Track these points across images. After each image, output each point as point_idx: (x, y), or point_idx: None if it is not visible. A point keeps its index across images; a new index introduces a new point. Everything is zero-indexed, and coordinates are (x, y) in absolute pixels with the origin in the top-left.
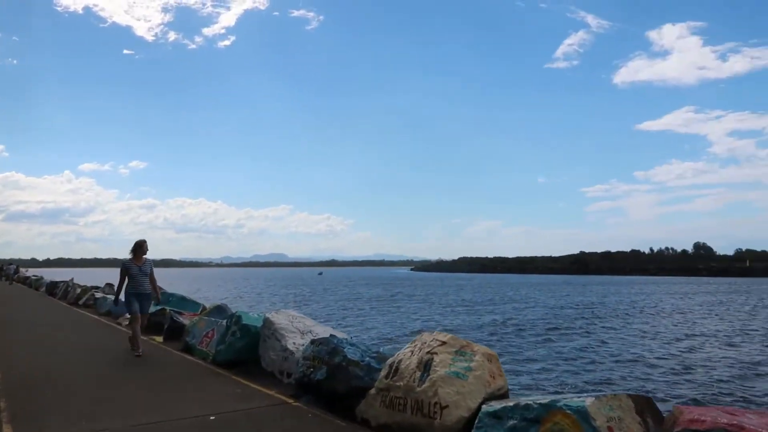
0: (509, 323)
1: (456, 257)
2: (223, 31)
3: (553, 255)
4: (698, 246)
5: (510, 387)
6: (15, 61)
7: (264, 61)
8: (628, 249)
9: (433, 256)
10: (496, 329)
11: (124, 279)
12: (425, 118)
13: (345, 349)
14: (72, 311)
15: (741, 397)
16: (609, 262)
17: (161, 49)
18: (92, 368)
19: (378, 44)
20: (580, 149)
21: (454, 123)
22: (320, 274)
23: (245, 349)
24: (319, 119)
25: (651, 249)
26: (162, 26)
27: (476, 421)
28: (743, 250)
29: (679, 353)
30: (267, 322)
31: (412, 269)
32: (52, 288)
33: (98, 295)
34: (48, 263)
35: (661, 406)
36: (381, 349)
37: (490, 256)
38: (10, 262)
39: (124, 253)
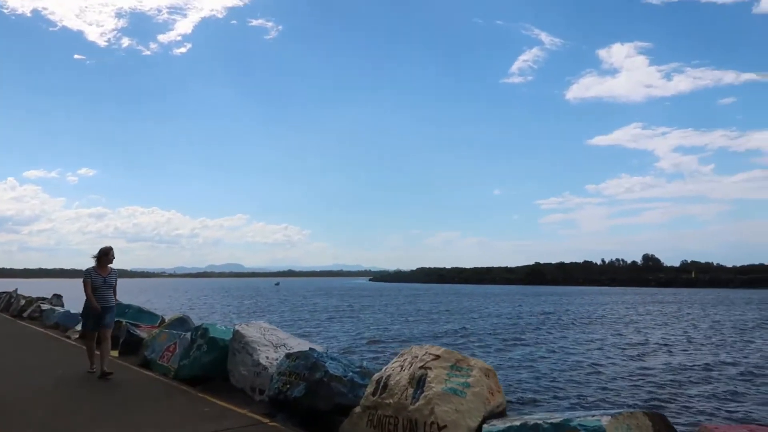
0: (473, 332)
1: (414, 267)
2: (179, 38)
3: (509, 266)
4: (647, 257)
5: None
6: None
7: (221, 69)
8: (580, 260)
9: (391, 266)
10: (463, 338)
11: (89, 288)
12: (383, 131)
13: (326, 364)
14: (16, 324)
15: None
16: (563, 272)
17: (114, 55)
18: (44, 390)
19: (336, 56)
20: (535, 162)
21: (412, 135)
22: (277, 284)
23: (212, 364)
24: (276, 129)
25: (603, 260)
26: (115, 32)
27: None
28: (689, 261)
29: (659, 364)
30: (237, 335)
31: (370, 279)
32: None
33: (45, 306)
34: None
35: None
36: (364, 364)
37: (448, 266)
38: None
39: (72, 263)
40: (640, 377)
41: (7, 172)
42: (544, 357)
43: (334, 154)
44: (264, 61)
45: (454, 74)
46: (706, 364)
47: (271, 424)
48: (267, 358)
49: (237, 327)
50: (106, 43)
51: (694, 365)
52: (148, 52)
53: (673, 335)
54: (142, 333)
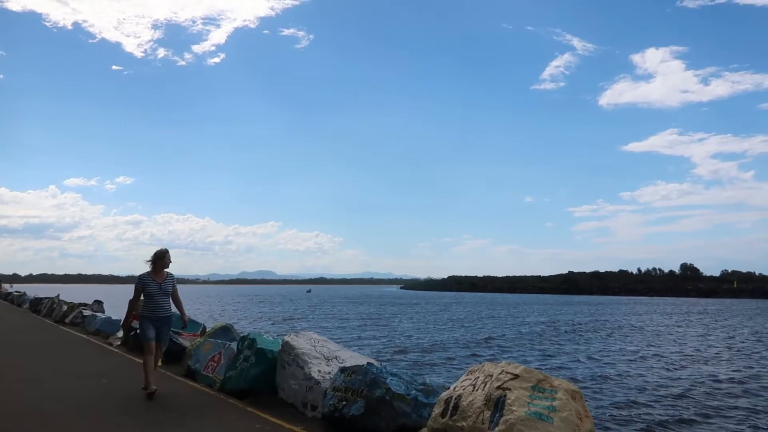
0: (511, 341)
1: (445, 276)
2: (213, 48)
3: (541, 274)
4: (685, 267)
5: None
6: (1, 76)
7: (253, 78)
8: (616, 269)
9: (421, 274)
10: (499, 348)
11: (139, 297)
12: (414, 138)
13: (387, 380)
14: (58, 330)
15: None
16: (598, 282)
17: (150, 66)
18: (87, 401)
19: (367, 64)
20: (567, 169)
21: (443, 142)
22: (309, 291)
23: (260, 376)
24: (308, 137)
25: (639, 269)
26: (151, 43)
27: None
28: (729, 271)
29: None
30: (286, 347)
31: (401, 287)
32: (36, 304)
33: (86, 312)
34: (30, 279)
35: None
36: (427, 380)
37: (480, 275)
38: None
39: (109, 269)
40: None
41: (49, 180)
42: (603, 373)
43: (366, 162)
44: (295, 70)
45: (485, 81)
46: None
47: None
48: (319, 371)
49: (286, 338)
50: (142, 54)
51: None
52: (183, 63)
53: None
54: (185, 341)
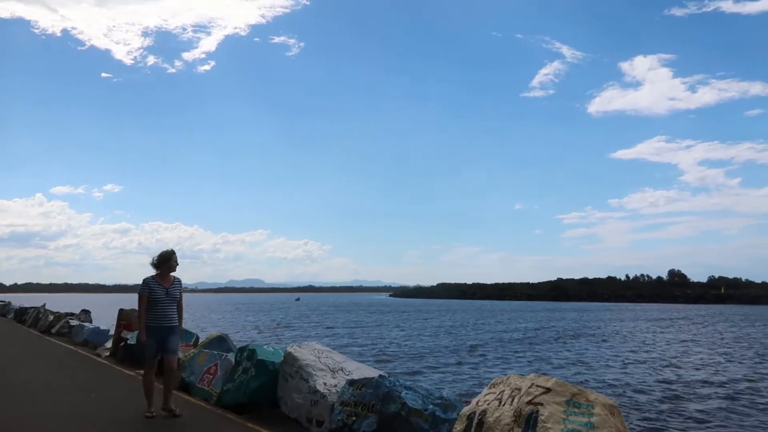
0: (503, 348)
1: (434, 283)
2: (203, 55)
3: (531, 281)
4: (673, 273)
5: None
6: None
7: (244, 86)
8: (604, 275)
9: (411, 282)
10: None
11: (146, 305)
12: (403, 145)
13: (402, 394)
14: (44, 341)
15: None
16: (587, 288)
17: (140, 73)
18: (75, 417)
19: (357, 72)
20: (556, 177)
21: (432, 150)
22: (298, 299)
23: (260, 389)
24: (297, 145)
25: (627, 276)
26: (141, 50)
27: None
28: (716, 277)
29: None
30: (289, 358)
31: (390, 295)
32: (21, 314)
33: (73, 322)
34: (15, 288)
35: None
36: (444, 394)
37: (469, 282)
38: None
39: (96, 278)
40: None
41: (36, 188)
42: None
43: (355, 170)
44: (286, 78)
45: (474, 88)
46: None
47: None
48: (325, 384)
49: (289, 349)
50: (132, 61)
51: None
52: (173, 70)
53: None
54: (178, 352)
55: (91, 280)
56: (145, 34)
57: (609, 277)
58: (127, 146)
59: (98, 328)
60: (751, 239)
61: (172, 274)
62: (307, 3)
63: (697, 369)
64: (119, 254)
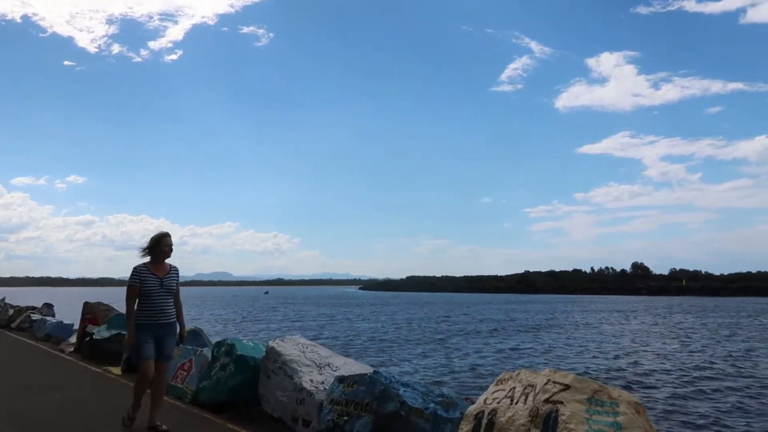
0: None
1: (403, 276)
2: (170, 45)
3: (499, 274)
4: (636, 265)
5: None
6: None
7: (212, 76)
8: (570, 268)
9: (380, 275)
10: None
11: (136, 297)
12: (371, 138)
13: (400, 392)
14: (4, 336)
15: None
16: (553, 281)
17: (104, 62)
18: (37, 420)
19: (326, 63)
20: (524, 170)
21: (401, 142)
22: (266, 293)
23: (240, 387)
24: (266, 136)
25: (592, 268)
26: (106, 38)
27: None
28: (677, 269)
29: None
30: (272, 353)
31: (359, 288)
32: None
33: (35, 316)
34: None
35: None
36: (445, 391)
37: (438, 274)
38: None
39: (59, 272)
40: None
41: None
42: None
43: (324, 162)
44: (255, 68)
45: (444, 82)
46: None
47: None
48: (311, 381)
49: (271, 343)
50: (96, 50)
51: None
52: (139, 59)
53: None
54: (172, 357)
55: (54, 274)
56: (109, 21)
57: (575, 270)
58: (91, 136)
59: (61, 322)
60: (711, 233)
61: (167, 261)
62: None
63: (662, 357)
64: (83, 247)
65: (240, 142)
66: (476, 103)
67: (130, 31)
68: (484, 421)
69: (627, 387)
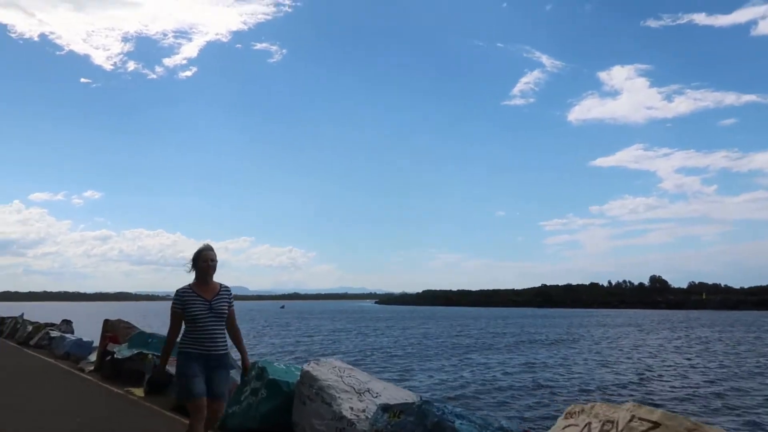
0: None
1: (419, 290)
2: (184, 61)
3: (515, 288)
4: (654, 279)
5: None
6: None
7: (225, 92)
8: (587, 282)
9: (396, 288)
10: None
11: (180, 325)
12: (386, 153)
13: (456, 425)
14: (23, 353)
15: None
16: (571, 294)
17: (120, 79)
18: None
19: (339, 78)
20: (538, 184)
21: (415, 157)
22: (282, 307)
23: (272, 413)
24: (281, 151)
25: (609, 282)
26: (121, 55)
27: None
28: (696, 283)
29: None
30: (307, 378)
31: (375, 302)
32: None
33: (54, 333)
34: None
35: None
36: (503, 424)
37: (454, 288)
38: None
39: (76, 286)
40: None
41: (13, 194)
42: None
43: (338, 176)
44: (268, 84)
45: (458, 96)
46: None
47: None
48: (351, 409)
49: (306, 367)
50: (112, 67)
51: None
52: (154, 76)
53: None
54: (171, 368)
55: (71, 288)
56: (125, 39)
57: (592, 284)
58: (107, 152)
59: (81, 339)
60: (728, 245)
61: (216, 280)
62: (290, 10)
63: (692, 371)
64: (100, 262)
65: (254, 157)
66: (488, 118)
67: (145, 48)
68: None
69: (684, 411)
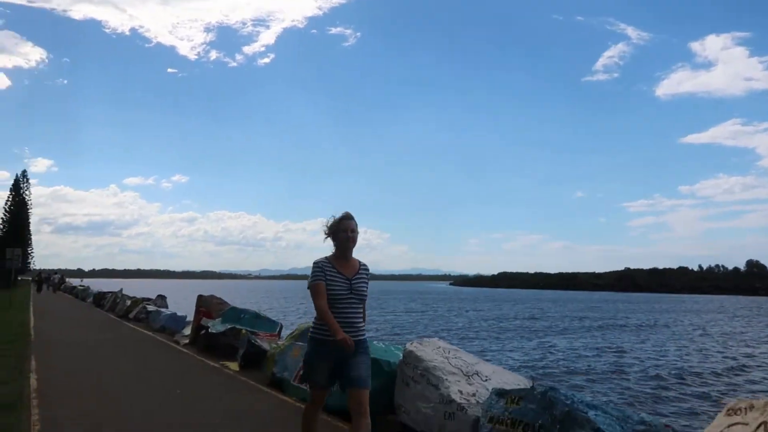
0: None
1: (495, 272)
2: (263, 49)
3: (596, 271)
4: (751, 264)
5: None
6: (65, 81)
7: (302, 77)
8: (675, 266)
9: (470, 270)
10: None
11: (325, 294)
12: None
13: (590, 416)
14: (123, 326)
15: None
16: (657, 278)
17: (203, 68)
18: (163, 422)
19: (414, 60)
20: (621, 163)
21: (492, 137)
22: None
23: (373, 394)
24: (356, 133)
25: (700, 266)
26: (204, 45)
27: None
28: None
29: None
30: (410, 358)
31: (450, 284)
32: (100, 299)
33: (150, 307)
34: (93, 274)
35: None
36: (644, 416)
37: (531, 271)
38: (55, 271)
39: (166, 265)
40: None
41: (110, 179)
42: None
43: (414, 157)
44: (344, 67)
45: (535, 73)
46: None
47: None
48: (460, 392)
49: (410, 347)
50: (195, 57)
51: None
52: (235, 63)
53: None
54: (263, 343)
55: (161, 267)
56: (207, 29)
57: (680, 268)
58: (192, 138)
59: (175, 314)
60: None
61: (355, 257)
62: None
63: None
64: (187, 242)
65: (331, 140)
66: (569, 95)
67: (226, 37)
68: None
69: None
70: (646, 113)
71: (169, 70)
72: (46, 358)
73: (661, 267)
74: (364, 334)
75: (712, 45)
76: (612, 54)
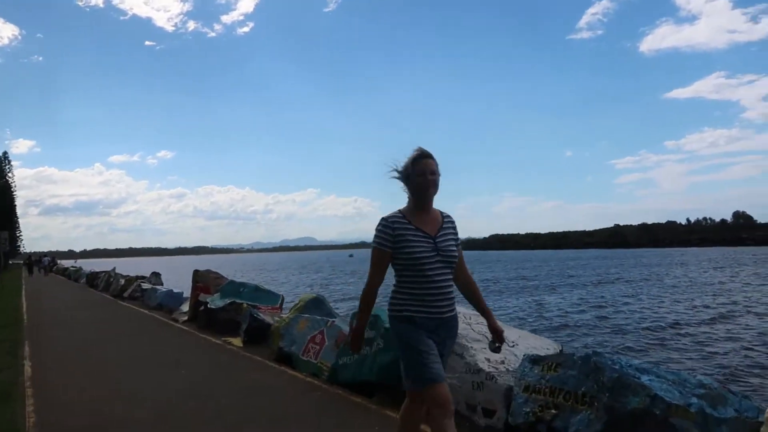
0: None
1: (486, 235)
2: (241, 17)
3: (587, 229)
4: (738, 215)
5: None
6: (40, 58)
7: (284, 45)
8: (663, 220)
9: (461, 234)
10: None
11: (385, 269)
12: (447, 96)
13: (644, 381)
14: (119, 306)
15: None
16: (647, 234)
17: (181, 39)
18: (168, 403)
19: (395, 23)
20: (607, 121)
21: (476, 99)
22: (351, 256)
23: (391, 366)
24: (340, 101)
25: (688, 220)
26: (181, 16)
27: None
28: None
29: None
30: None
31: None
32: (93, 279)
33: (145, 285)
34: (85, 254)
35: None
36: (703, 379)
37: (522, 232)
38: (45, 254)
39: (157, 242)
40: None
41: (94, 158)
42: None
43: (398, 123)
44: (324, 34)
45: (519, 34)
46: None
47: None
48: (488, 360)
49: None
50: (173, 28)
51: None
52: (213, 34)
53: None
54: (265, 316)
55: (153, 244)
56: None
57: (669, 222)
58: (175, 112)
59: (171, 291)
60: None
61: (436, 210)
62: None
63: None
64: (177, 218)
65: (315, 109)
66: (553, 54)
67: (203, 6)
68: None
69: None
70: (631, 70)
71: (147, 42)
72: (41, 343)
73: (649, 222)
74: (454, 308)
75: None
76: (595, 11)
